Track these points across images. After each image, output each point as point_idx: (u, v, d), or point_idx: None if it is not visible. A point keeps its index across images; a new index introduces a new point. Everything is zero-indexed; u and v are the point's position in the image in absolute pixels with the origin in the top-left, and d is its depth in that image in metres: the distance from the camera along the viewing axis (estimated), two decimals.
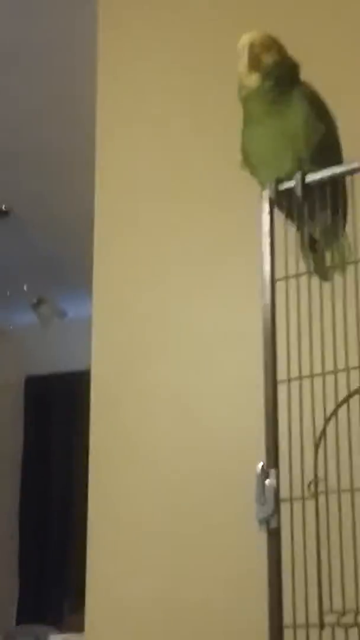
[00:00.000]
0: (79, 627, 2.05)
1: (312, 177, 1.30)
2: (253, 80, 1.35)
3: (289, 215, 1.35)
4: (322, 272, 1.35)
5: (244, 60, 1.36)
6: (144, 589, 1.91)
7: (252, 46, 1.35)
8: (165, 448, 1.96)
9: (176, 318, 2.01)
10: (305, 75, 1.40)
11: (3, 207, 4.14)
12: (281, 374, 1.25)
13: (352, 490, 1.16)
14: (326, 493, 1.18)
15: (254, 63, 1.35)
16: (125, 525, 1.97)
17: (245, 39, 1.36)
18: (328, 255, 1.36)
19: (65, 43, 2.90)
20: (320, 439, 1.19)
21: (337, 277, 1.31)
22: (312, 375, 1.21)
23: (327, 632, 1.16)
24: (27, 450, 5.63)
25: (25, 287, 4.71)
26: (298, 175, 1.31)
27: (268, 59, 1.36)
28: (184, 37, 2.15)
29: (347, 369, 1.18)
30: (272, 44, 1.37)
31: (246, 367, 1.76)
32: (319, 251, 1.37)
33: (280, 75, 1.36)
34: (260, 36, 1.37)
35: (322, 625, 1.16)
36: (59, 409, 5.58)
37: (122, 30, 2.26)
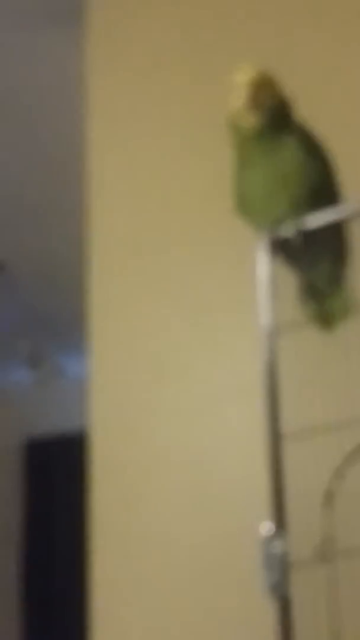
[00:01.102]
0: None
1: (310, 222, 1.24)
2: (251, 120, 1.29)
3: (286, 262, 1.30)
4: (324, 321, 1.29)
5: (241, 99, 1.29)
6: None
7: (250, 85, 1.29)
8: (168, 508, 1.90)
9: (175, 373, 1.96)
10: (299, 111, 1.36)
11: None
12: (284, 428, 1.19)
13: None
14: (336, 555, 1.11)
15: (253, 103, 1.28)
16: (129, 591, 1.90)
17: (243, 78, 1.29)
18: (330, 304, 1.30)
19: (56, 99, 2.89)
20: (328, 498, 1.12)
21: (339, 326, 1.26)
22: (315, 429, 1.15)
23: None
24: (29, 513, 5.51)
25: (21, 346, 4.66)
26: (295, 222, 1.25)
27: (267, 99, 1.29)
28: (177, 94, 2.14)
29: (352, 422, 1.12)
30: (269, 83, 1.31)
31: (250, 421, 1.70)
32: (320, 299, 1.31)
33: (278, 115, 1.30)
34: (257, 74, 1.30)
35: None
36: (60, 469, 5.49)
37: (114, 85, 2.24)
